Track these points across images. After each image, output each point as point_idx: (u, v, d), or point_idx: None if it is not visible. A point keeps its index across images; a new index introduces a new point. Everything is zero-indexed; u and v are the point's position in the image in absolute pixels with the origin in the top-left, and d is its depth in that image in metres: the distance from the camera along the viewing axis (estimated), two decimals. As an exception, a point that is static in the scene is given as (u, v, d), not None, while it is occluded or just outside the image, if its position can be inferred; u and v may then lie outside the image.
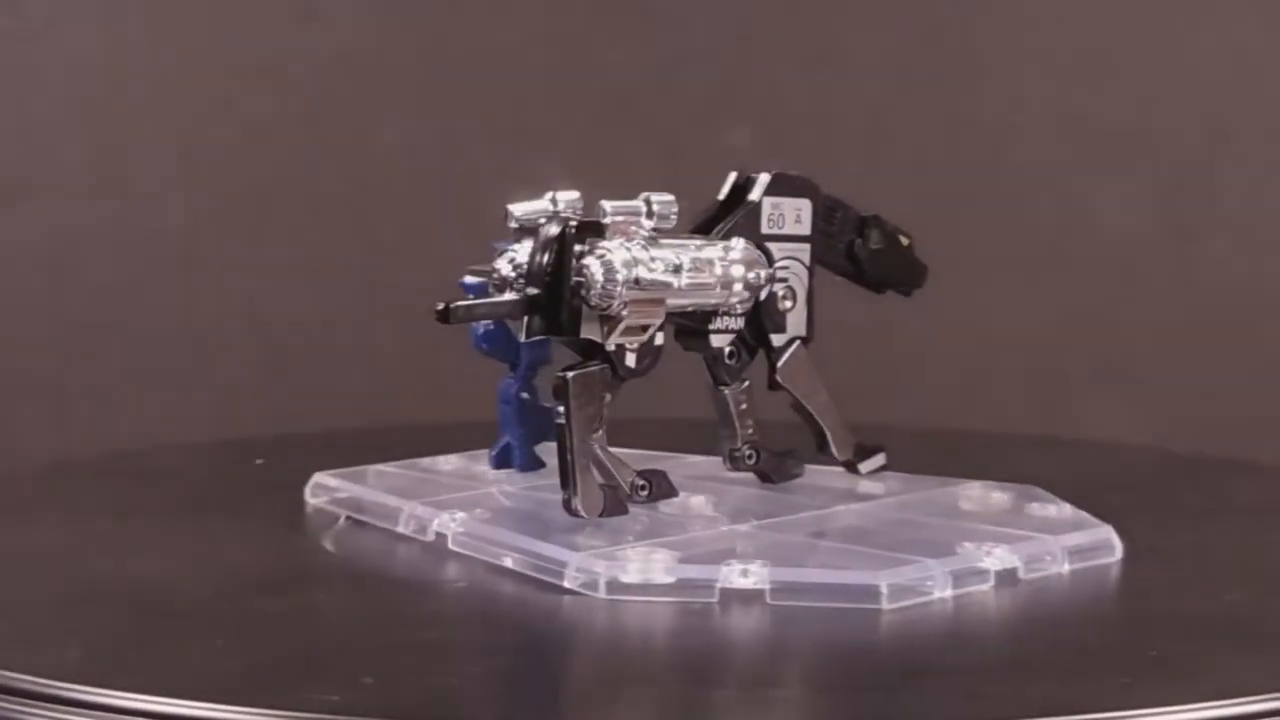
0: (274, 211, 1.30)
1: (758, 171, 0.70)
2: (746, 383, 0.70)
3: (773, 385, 0.71)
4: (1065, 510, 0.71)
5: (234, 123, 1.29)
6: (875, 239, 0.73)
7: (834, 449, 0.72)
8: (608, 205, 0.65)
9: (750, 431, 0.70)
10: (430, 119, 1.30)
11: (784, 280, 0.70)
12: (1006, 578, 0.64)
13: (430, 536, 0.68)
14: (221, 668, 0.55)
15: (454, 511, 0.68)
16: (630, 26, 1.30)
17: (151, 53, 1.29)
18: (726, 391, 0.69)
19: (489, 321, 0.71)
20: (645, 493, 0.66)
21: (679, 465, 0.74)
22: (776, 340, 0.70)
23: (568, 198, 0.66)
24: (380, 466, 0.76)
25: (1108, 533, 0.69)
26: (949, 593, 0.62)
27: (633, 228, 0.65)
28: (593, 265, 0.64)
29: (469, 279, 0.70)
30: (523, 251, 0.65)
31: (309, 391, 1.28)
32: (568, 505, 0.64)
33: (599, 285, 0.63)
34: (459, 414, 1.27)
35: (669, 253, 0.65)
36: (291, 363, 1.29)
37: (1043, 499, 0.73)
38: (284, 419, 1.25)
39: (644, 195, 0.65)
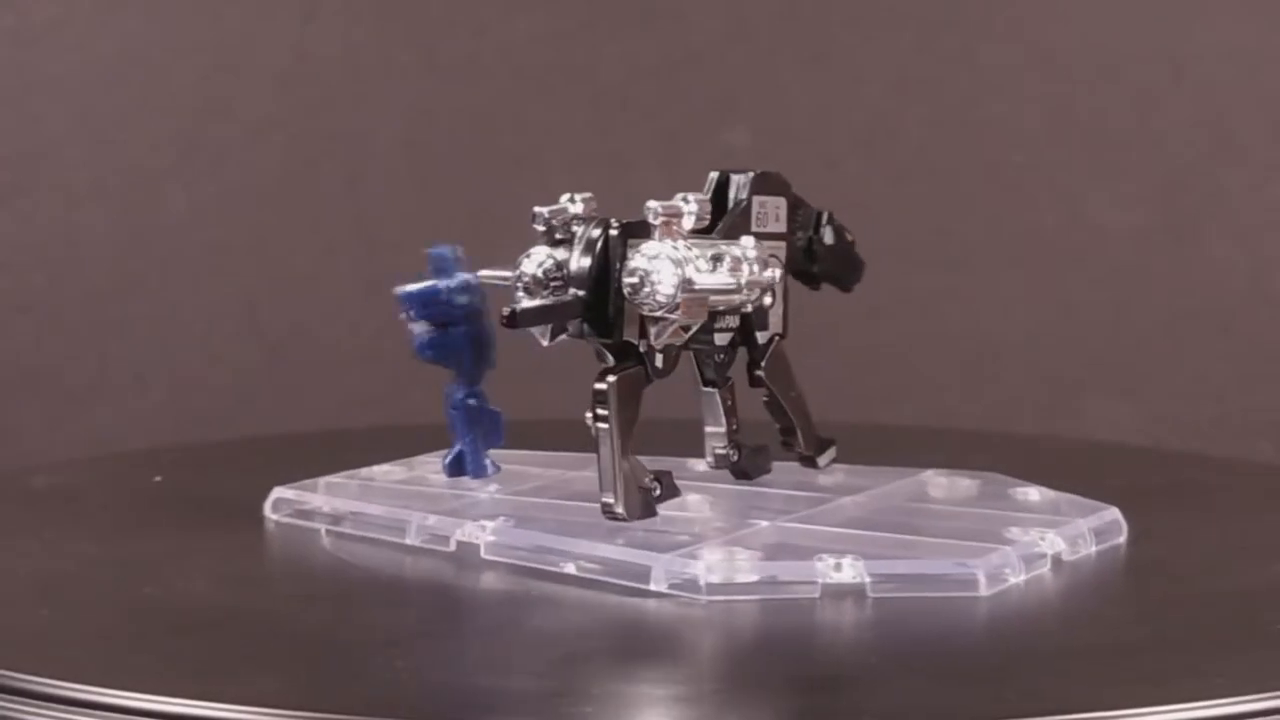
0: (274, 211, 1.30)
1: (720, 170, 0.70)
2: (730, 381, 0.70)
3: (755, 382, 0.71)
4: (1049, 494, 0.73)
5: (234, 122, 1.29)
6: (829, 235, 0.73)
7: (802, 444, 0.73)
8: (657, 205, 0.64)
9: (735, 430, 0.70)
10: (430, 119, 1.30)
11: None
12: (1055, 560, 0.66)
13: (451, 547, 0.67)
14: (438, 689, 0.54)
15: (480, 520, 0.67)
16: (630, 25, 1.30)
17: (151, 53, 1.29)
18: (716, 391, 0.70)
19: (431, 328, 0.71)
20: (657, 493, 0.66)
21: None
22: (761, 338, 0.71)
23: (584, 196, 0.66)
24: (329, 478, 0.75)
25: (1115, 514, 0.71)
26: (1023, 577, 0.64)
27: (674, 228, 0.64)
28: (648, 266, 0.63)
29: (408, 288, 0.70)
30: (540, 254, 0.65)
31: (308, 392, 1.28)
32: (610, 509, 0.64)
33: (656, 286, 0.63)
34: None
35: (708, 253, 0.65)
36: (291, 363, 1.29)
37: (1016, 484, 0.74)
38: (283, 419, 1.25)
39: (681, 195, 0.65)
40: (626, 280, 0.63)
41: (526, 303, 0.64)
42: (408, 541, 0.68)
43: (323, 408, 1.27)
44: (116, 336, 1.29)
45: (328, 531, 0.71)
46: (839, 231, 0.73)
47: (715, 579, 0.61)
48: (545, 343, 0.65)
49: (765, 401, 0.72)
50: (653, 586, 0.62)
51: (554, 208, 0.65)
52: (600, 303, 0.64)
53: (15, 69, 1.27)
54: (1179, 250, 1.28)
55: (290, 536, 0.72)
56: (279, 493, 0.74)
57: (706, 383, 0.70)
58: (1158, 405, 1.27)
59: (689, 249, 0.64)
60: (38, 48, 1.28)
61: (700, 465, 0.72)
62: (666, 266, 0.63)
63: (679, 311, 0.63)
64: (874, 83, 1.29)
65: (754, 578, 0.61)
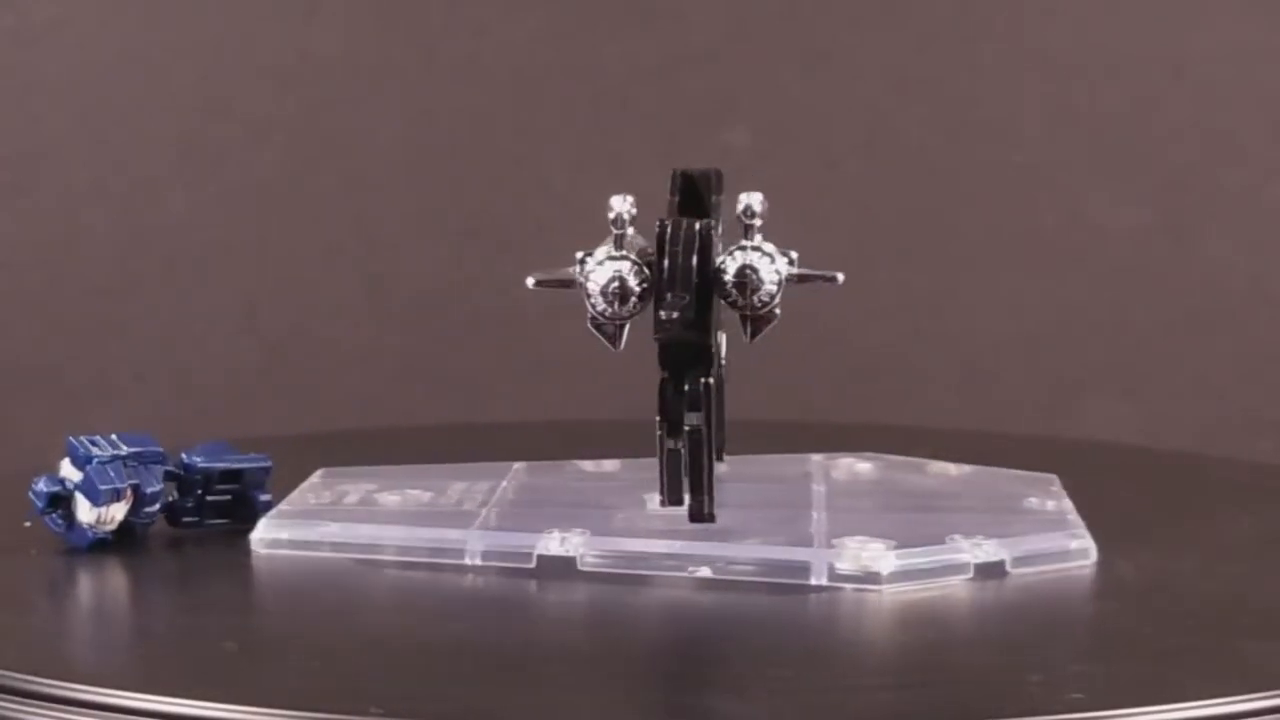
0: (274, 211, 1.30)
1: (679, 167, 0.70)
2: None
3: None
4: (965, 468, 0.74)
5: (234, 122, 1.29)
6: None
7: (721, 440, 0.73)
8: (751, 204, 0.64)
9: None
10: (430, 119, 1.30)
11: None
12: None
13: (531, 563, 0.64)
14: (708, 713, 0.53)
15: (560, 533, 0.65)
16: (630, 26, 1.29)
17: (151, 53, 1.29)
18: None
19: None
20: None
21: (601, 468, 0.74)
22: (722, 335, 0.71)
23: (630, 198, 0.65)
24: (282, 506, 0.71)
25: (1055, 480, 0.73)
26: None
27: (759, 226, 0.64)
28: (756, 264, 0.63)
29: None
30: (610, 258, 0.63)
31: (307, 392, 1.28)
32: (698, 510, 0.63)
33: (764, 284, 0.63)
34: (458, 415, 1.27)
35: (776, 250, 0.65)
36: (290, 363, 1.29)
37: (931, 463, 0.75)
38: (282, 420, 1.25)
39: (749, 194, 0.65)
40: (731, 280, 0.63)
41: (602, 308, 0.63)
42: (466, 562, 0.65)
43: (322, 408, 1.27)
44: (116, 336, 1.29)
45: (356, 560, 0.66)
46: None
47: (882, 569, 0.61)
48: (615, 348, 0.63)
49: None
50: (813, 581, 0.61)
51: (625, 209, 0.64)
52: (700, 303, 0.63)
53: (15, 69, 1.27)
54: (1179, 250, 1.27)
55: (310, 570, 0.67)
56: (263, 528, 0.69)
57: None
58: (1158, 405, 1.27)
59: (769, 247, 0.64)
60: (38, 48, 1.27)
61: (609, 464, 0.71)
62: (768, 264, 0.63)
63: (779, 309, 0.63)
64: (874, 83, 1.29)
65: (897, 565, 0.61)
